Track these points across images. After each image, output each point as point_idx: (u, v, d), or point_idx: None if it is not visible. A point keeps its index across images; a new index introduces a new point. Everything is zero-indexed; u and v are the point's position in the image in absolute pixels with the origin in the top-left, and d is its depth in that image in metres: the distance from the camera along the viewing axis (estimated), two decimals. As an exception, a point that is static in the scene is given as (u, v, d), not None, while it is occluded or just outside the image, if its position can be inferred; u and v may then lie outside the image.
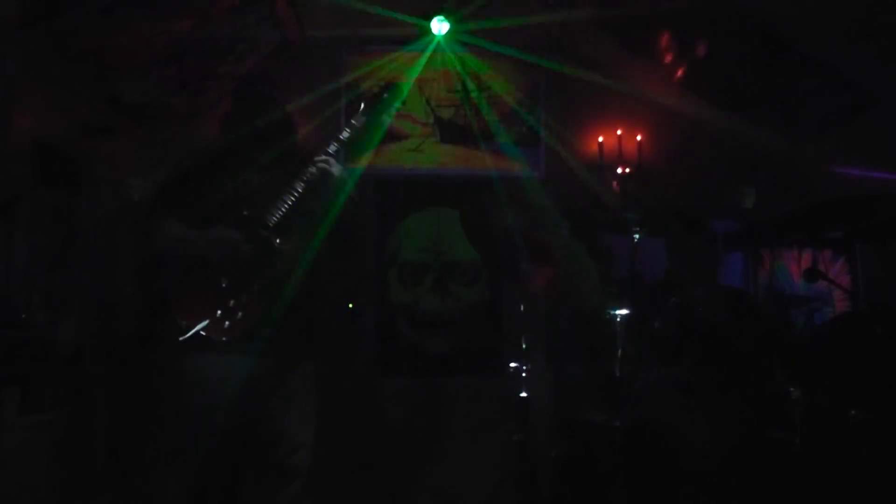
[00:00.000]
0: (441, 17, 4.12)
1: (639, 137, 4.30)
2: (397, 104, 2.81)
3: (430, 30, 4.20)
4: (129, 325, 3.87)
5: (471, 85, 4.45)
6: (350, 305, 4.17)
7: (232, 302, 2.47)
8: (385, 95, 2.78)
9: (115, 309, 3.82)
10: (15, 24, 2.81)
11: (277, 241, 2.51)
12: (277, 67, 4.13)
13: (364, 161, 4.22)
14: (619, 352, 3.26)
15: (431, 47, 4.35)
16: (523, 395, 3.37)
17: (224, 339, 2.46)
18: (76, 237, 3.41)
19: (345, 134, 2.65)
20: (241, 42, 3.91)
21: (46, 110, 3.16)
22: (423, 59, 4.39)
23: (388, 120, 3.55)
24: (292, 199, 2.52)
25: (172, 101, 3.97)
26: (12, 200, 2.70)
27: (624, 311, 3.31)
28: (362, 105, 2.75)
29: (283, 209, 2.51)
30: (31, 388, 3.00)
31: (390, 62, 4.38)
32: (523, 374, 3.39)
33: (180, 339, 2.47)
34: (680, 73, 4.06)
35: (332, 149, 2.60)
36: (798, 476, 2.62)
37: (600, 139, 4.33)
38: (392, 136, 4.34)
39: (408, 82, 4.29)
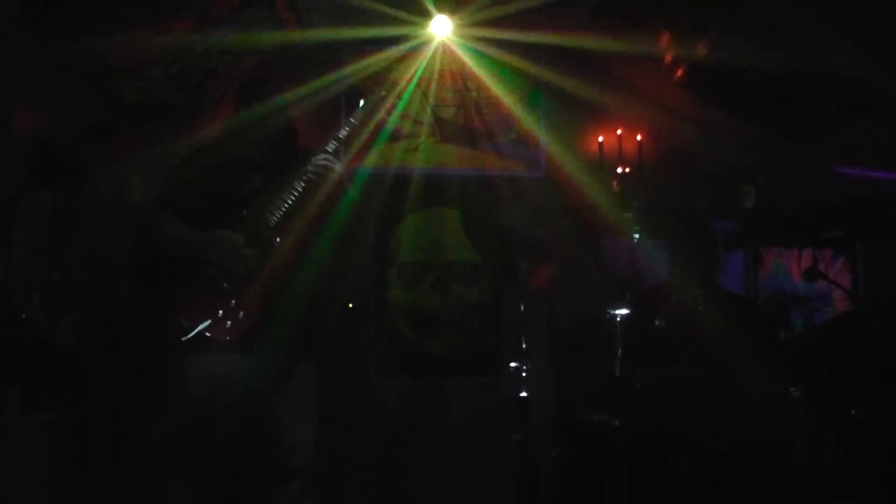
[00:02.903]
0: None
1: (639, 137, 4.30)
2: (399, 104, 2.82)
3: (430, 29, 4.20)
4: (128, 325, 3.87)
5: (471, 85, 4.45)
6: (350, 305, 4.17)
7: (234, 302, 2.48)
8: (384, 94, 2.78)
9: (115, 309, 3.81)
10: (15, 24, 2.81)
11: (278, 240, 2.52)
12: (277, 67, 4.13)
13: (364, 161, 4.23)
14: (619, 352, 3.26)
15: (432, 47, 4.35)
16: (523, 395, 3.37)
17: (226, 338, 2.46)
18: (76, 237, 3.41)
19: (343, 132, 2.65)
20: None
21: (46, 110, 3.16)
22: (424, 59, 4.39)
23: (387, 119, 3.55)
24: (292, 198, 2.53)
25: (172, 101, 3.97)
26: (12, 200, 2.69)
27: (624, 311, 3.31)
28: (361, 102, 2.76)
29: (284, 209, 2.52)
30: (31, 388, 3.00)
31: (390, 62, 4.38)
32: (523, 374, 3.39)
33: (182, 339, 2.48)
34: (680, 72, 4.06)
35: (331, 147, 2.61)
36: (798, 476, 2.62)
37: (600, 139, 4.32)
38: (392, 136, 4.34)
39: (408, 82, 4.29)
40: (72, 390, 3.37)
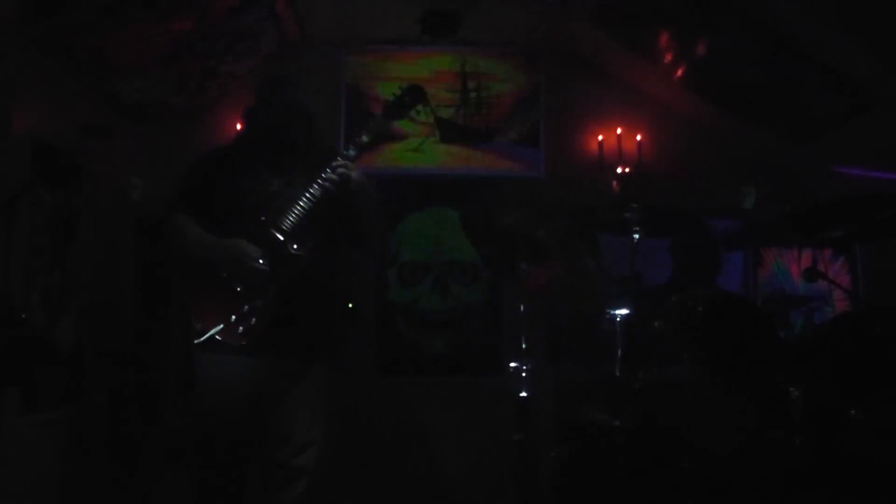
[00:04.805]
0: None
1: (639, 137, 4.30)
2: (419, 107, 2.78)
3: (430, 29, 4.19)
4: (129, 325, 3.87)
5: (471, 85, 4.45)
6: (350, 305, 4.17)
7: (246, 307, 2.46)
8: (406, 99, 2.75)
9: (115, 309, 3.81)
10: (15, 24, 2.81)
11: (294, 247, 2.48)
12: (278, 67, 4.13)
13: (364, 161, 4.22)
14: (619, 352, 3.25)
15: (432, 47, 4.35)
16: (523, 395, 3.37)
17: (238, 343, 2.45)
18: (76, 237, 3.41)
19: (364, 138, 2.61)
20: (241, 42, 3.91)
21: (46, 110, 3.16)
22: (424, 59, 4.39)
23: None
24: (310, 204, 2.48)
25: (172, 101, 3.97)
26: (12, 200, 2.69)
27: (624, 311, 3.31)
28: (382, 109, 2.74)
29: (301, 214, 2.48)
30: (31, 388, 3.00)
31: (390, 62, 4.38)
32: (523, 374, 3.39)
33: (195, 342, 2.47)
34: (680, 72, 4.06)
35: (351, 153, 2.56)
36: (798, 476, 2.62)
37: (600, 139, 4.32)
38: (392, 136, 4.34)
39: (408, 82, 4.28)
40: (72, 390, 3.37)
